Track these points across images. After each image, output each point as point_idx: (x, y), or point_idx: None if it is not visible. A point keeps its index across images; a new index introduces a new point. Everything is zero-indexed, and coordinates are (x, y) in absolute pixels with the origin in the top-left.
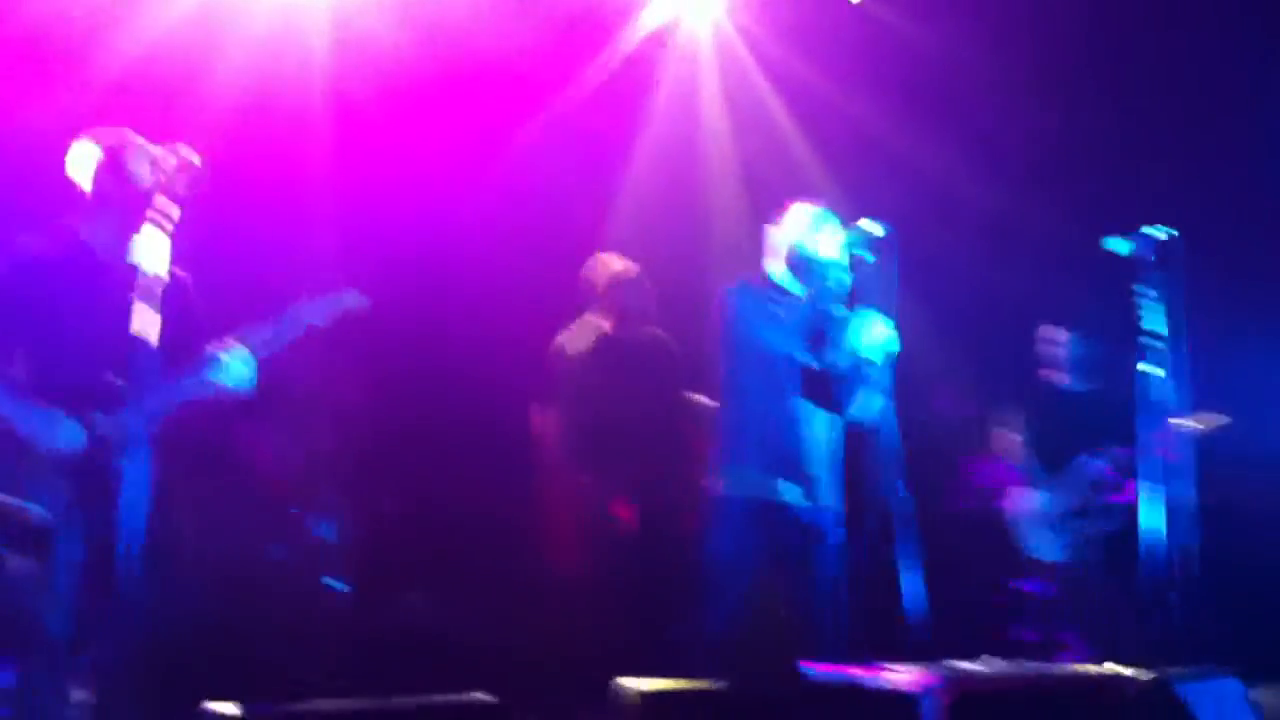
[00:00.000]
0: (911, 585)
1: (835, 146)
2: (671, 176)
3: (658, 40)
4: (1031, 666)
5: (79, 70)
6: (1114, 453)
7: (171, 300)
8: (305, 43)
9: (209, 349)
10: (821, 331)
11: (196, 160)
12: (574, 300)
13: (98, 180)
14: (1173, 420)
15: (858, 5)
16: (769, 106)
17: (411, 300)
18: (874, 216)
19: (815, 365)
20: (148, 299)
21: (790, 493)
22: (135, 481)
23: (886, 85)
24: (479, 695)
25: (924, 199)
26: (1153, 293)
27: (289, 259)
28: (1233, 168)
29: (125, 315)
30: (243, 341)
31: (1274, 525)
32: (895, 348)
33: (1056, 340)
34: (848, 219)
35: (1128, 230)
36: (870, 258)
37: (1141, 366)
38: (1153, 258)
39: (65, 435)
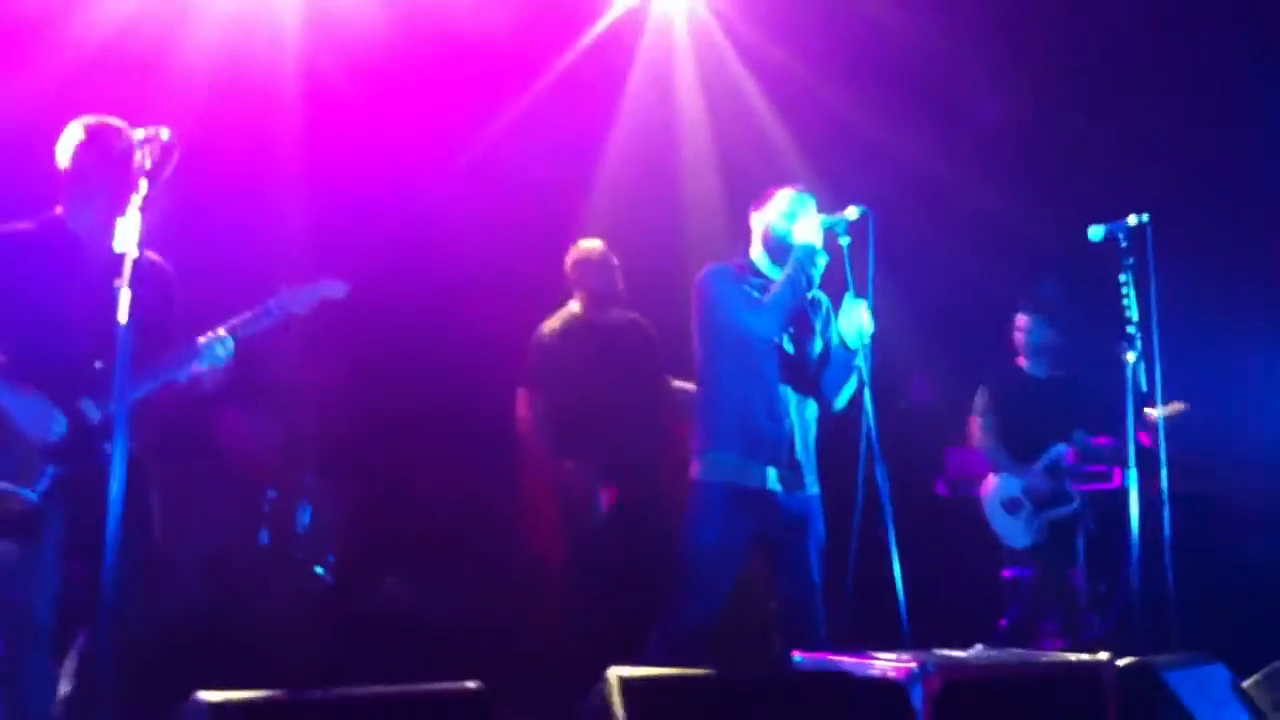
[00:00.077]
0: (893, 572)
1: (812, 132)
2: (647, 161)
3: (633, 24)
4: (1017, 654)
5: (49, 50)
6: (1083, 438)
7: (153, 286)
8: (277, 21)
9: (191, 336)
10: (800, 315)
11: (168, 139)
12: (553, 284)
13: (78, 162)
14: (1145, 408)
15: None
16: (745, 92)
17: (391, 284)
18: (851, 202)
19: (793, 350)
20: (131, 284)
21: (770, 478)
22: (120, 467)
23: (863, 71)
24: (462, 683)
25: (901, 185)
26: (1126, 278)
27: (262, 241)
28: (1207, 155)
29: (110, 300)
30: (223, 327)
31: (1245, 509)
32: (871, 330)
33: (1028, 328)
34: (825, 204)
35: (1103, 217)
36: (847, 241)
37: (1118, 353)
38: (1125, 243)
39: (51, 421)
